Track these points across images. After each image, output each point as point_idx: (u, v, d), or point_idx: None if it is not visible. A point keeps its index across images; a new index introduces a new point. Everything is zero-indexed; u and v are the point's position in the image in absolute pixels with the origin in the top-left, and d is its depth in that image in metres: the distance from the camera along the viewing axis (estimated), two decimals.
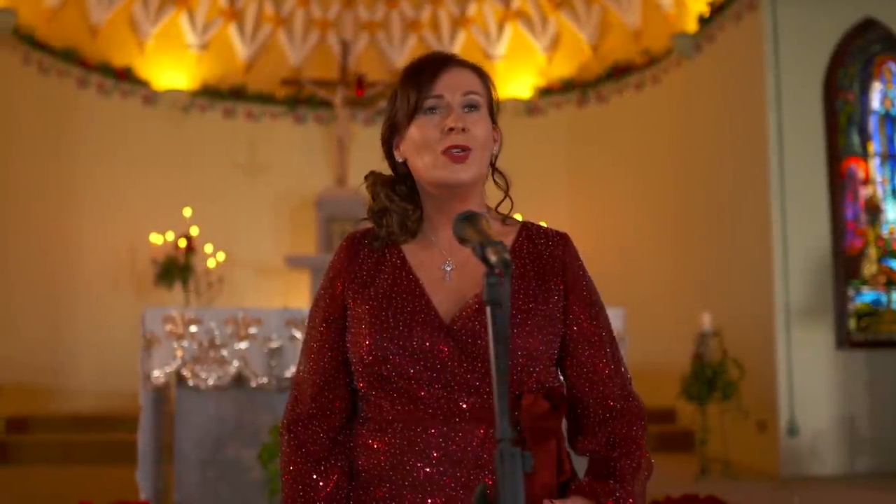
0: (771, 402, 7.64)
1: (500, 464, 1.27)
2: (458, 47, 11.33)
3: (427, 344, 1.72)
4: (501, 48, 11.35)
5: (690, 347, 7.69)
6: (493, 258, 1.36)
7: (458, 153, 1.76)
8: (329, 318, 1.84)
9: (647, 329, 9.24)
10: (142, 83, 10.52)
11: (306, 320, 1.92)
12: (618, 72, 10.46)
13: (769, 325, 7.71)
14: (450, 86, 1.79)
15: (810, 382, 7.59)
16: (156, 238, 9.65)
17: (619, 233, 10.39)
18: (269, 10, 11.18)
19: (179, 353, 4.62)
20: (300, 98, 11.12)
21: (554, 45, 11.17)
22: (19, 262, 9.08)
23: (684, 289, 9.30)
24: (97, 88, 10.18)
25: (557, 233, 1.91)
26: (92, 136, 10.10)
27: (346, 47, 10.99)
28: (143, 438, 4.67)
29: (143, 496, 4.55)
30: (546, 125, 11.04)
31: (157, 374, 4.62)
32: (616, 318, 4.97)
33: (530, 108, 11.15)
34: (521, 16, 11.20)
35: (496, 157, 1.90)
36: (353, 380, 1.82)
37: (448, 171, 1.76)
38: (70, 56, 9.86)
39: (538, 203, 10.53)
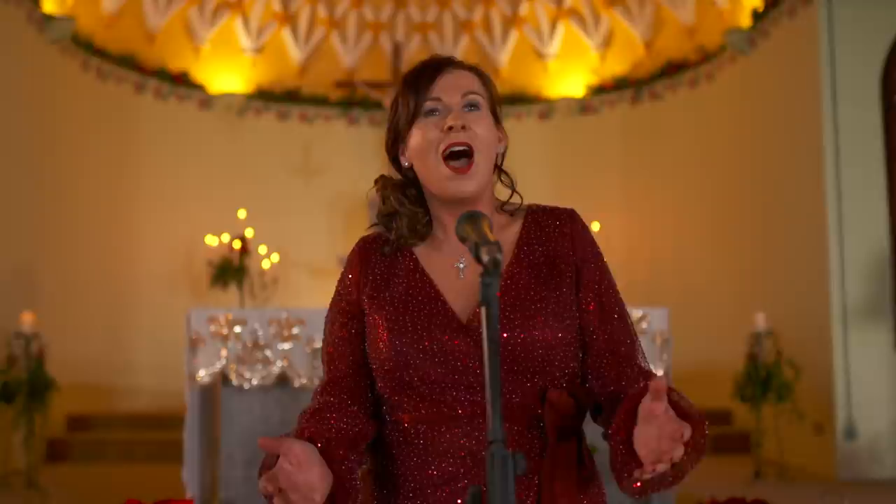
0: (828, 403, 7.49)
1: (491, 466, 1.27)
2: (510, 47, 11.33)
3: (447, 346, 1.72)
4: (554, 47, 11.29)
5: (745, 347, 7.57)
6: (485, 258, 1.36)
7: (459, 164, 1.75)
8: (346, 325, 1.85)
9: (701, 328, 9.14)
10: (197, 87, 10.67)
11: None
12: (671, 69, 10.34)
13: (826, 326, 7.56)
14: (447, 88, 1.80)
15: (868, 384, 7.43)
16: (211, 240, 9.78)
17: (673, 231, 10.28)
18: (322, 13, 11.27)
19: (224, 353, 4.68)
20: (354, 100, 11.19)
21: (607, 43, 11.09)
22: (79, 264, 9.28)
23: (739, 288, 9.16)
24: (154, 93, 10.36)
25: (564, 210, 1.90)
26: (149, 140, 10.30)
27: (398, 49, 11.03)
28: (189, 438, 4.75)
29: (188, 495, 4.62)
30: (599, 124, 10.97)
31: (203, 374, 4.68)
32: (660, 318, 4.91)
33: (583, 107, 11.08)
34: (574, 14, 11.14)
35: (502, 157, 1.90)
36: (375, 385, 1.82)
37: (453, 185, 1.77)
38: (127, 62, 10.05)
39: (592, 202, 10.48)
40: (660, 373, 4.84)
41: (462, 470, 1.71)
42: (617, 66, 11.00)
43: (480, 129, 1.78)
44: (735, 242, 9.36)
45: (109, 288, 9.74)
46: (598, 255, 1.88)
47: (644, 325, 4.85)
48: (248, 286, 9.95)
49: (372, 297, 1.82)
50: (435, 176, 1.78)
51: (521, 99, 11.20)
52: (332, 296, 1.91)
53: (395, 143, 1.86)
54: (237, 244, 9.72)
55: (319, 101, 11.16)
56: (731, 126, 9.53)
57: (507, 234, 1.84)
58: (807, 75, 7.92)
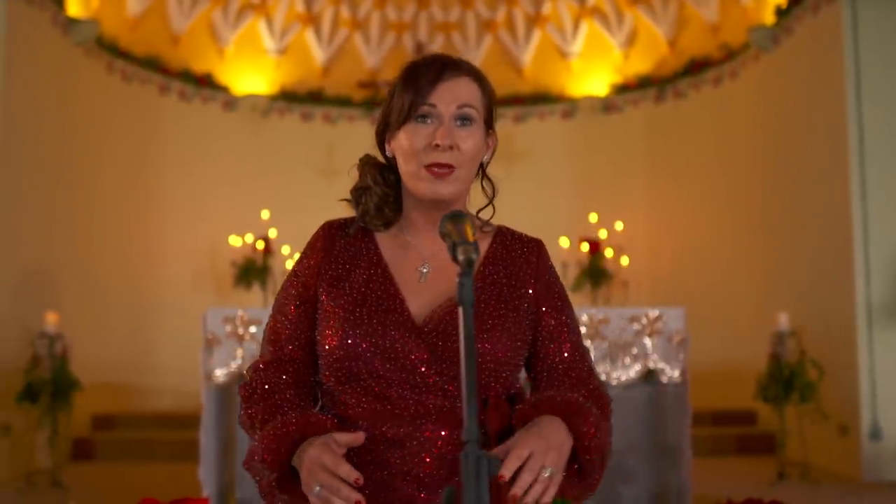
0: (853, 404, 7.41)
1: (465, 466, 1.27)
2: (533, 46, 11.30)
3: (399, 344, 1.73)
4: (577, 46, 11.25)
5: (768, 347, 7.50)
6: (460, 257, 1.37)
7: (440, 170, 1.76)
8: (300, 307, 1.85)
9: (724, 328, 9.09)
10: (222, 89, 10.73)
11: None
12: (695, 67, 10.26)
13: (850, 325, 7.47)
14: (445, 96, 1.79)
15: (894, 384, 7.33)
16: (234, 240, 9.84)
17: (696, 230, 10.21)
18: (345, 13, 11.30)
19: (240, 353, 4.70)
20: (377, 100, 11.17)
21: (630, 41, 11.03)
22: (105, 263, 9.37)
23: (762, 287, 9.08)
24: (178, 95, 10.43)
25: (532, 239, 1.92)
26: (173, 142, 10.37)
27: (420, 49, 11.03)
28: (205, 437, 4.77)
29: (205, 493, 4.65)
30: (623, 122, 10.91)
31: (218, 374, 4.71)
32: (677, 318, 4.87)
33: (607, 106, 11.02)
34: (597, 13, 11.09)
35: (487, 163, 1.91)
36: (317, 373, 1.83)
37: (429, 186, 1.78)
38: (152, 64, 10.12)
39: (615, 201, 10.46)
40: (676, 373, 4.81)
41: (403, 470, 1.71)
42: (640, 64, 10.94)
43: (467, 145, 1.79)
44: (758, 241, 9.28)
45: (134, 289, 9.83)
46: (559, 285, 1.91)
47: (660, 324, 4.82)
48: (271, 286, 9.98)
49: (331, 286, 1.82)
50: (414, 177, 1.79)
51: (545, 98, 11.17)
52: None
53: (385, 130, 1.87)
54: (260, 244, 9.76)
55: (343, 101, 11.18)
56: (754, 124, 9.45)
57: None
58: (831, 73, 7.84)
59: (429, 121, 1.79)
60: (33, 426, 7.15)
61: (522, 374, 1.89)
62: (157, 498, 4.09)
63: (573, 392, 1.81)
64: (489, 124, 1.87)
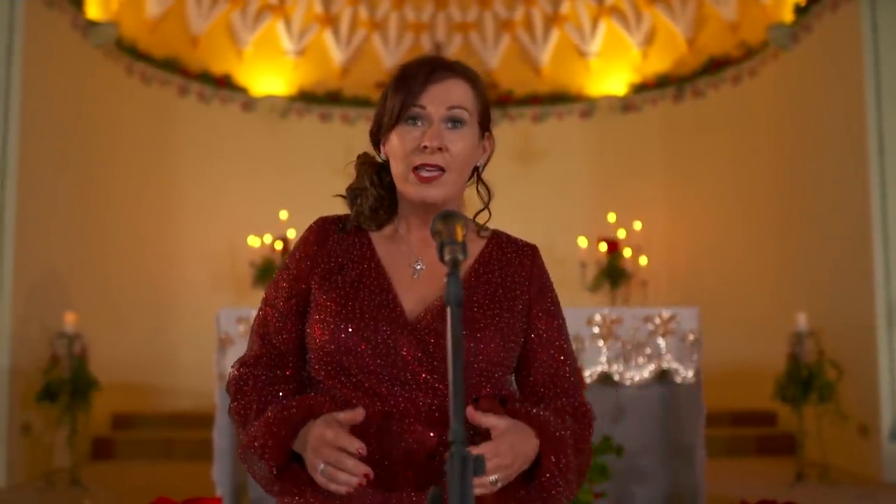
0: (872, 404, 7.35)
1: (451, 465, 1.26)
2: (551, 45, 11.27)
3: (390, 340, 1.72)
4: (596, 45, 11.21)
5: (786, 347, 7.45)
6: (446, 257, 1.37)
7: (427, 174, 1.76)
8: (291, 300, 1.84)
9: (742, 328, 9.03)
10: (240, 90, 10.77)
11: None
12: (714, 66, 10.21)
13: (869, 324, 7.41)
14: (436, 98, 1.78)
15: None
16: (253, 240, 9.87)
17: (715, 230, 10.16)
18: (363, 14, 11.31)
19: None
20: None
21: (649, 40, 10.99)
22: (124, 264, 9.42)
23: (781, 286, 9.02)
24: (197, 96, 10.48)
25: (527, 244, 1.91)
26: (192, 142, 10.42)
27: (439, 49, 11.04)
28: (219, 437, 4.79)
29: (218, 493, 4.67)
30: (641, 122, 10.87)
31: None
32: (690, 318, 4.85)
33: (625, 105, 10.98)
34: (615, 12, 11.05)
35: (483, 166, 1.90)
36: (306, 367, 1.82)
37: (416, 190, 1.78)
38: (171, 65, 10.18)
39: (633, 201, 10.42)
40: (690, 373, 4.79)
41: (392, 472, 1.69)
42: (659, 63, 10.89)
43: (457, 148, 1.78)
44: (776, 240, 9.22)
45: (152, 289, 9.88)
46: (553, 291, 1.90)
47: (673, 324, 4.80)
48: None
49: (323, 279, 1.81)
50: (402, 180, 1.80)
51: (563, 98, 11.15)
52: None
53: (378, 132, 1.87)
54: (279, 245, 9.79)
55: (361, 102, 11.17)
56: (774, 122, 9.39)
57: (470, 250, 1.85)
58: (850, 71, 7.77)
59: (419, 122, 1.78)
60: (52, 426, 7.21)
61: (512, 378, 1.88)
62: (172, 497, 4.11)
63: (556, 401, 1.81)
64: (485, 127, 1.85)
